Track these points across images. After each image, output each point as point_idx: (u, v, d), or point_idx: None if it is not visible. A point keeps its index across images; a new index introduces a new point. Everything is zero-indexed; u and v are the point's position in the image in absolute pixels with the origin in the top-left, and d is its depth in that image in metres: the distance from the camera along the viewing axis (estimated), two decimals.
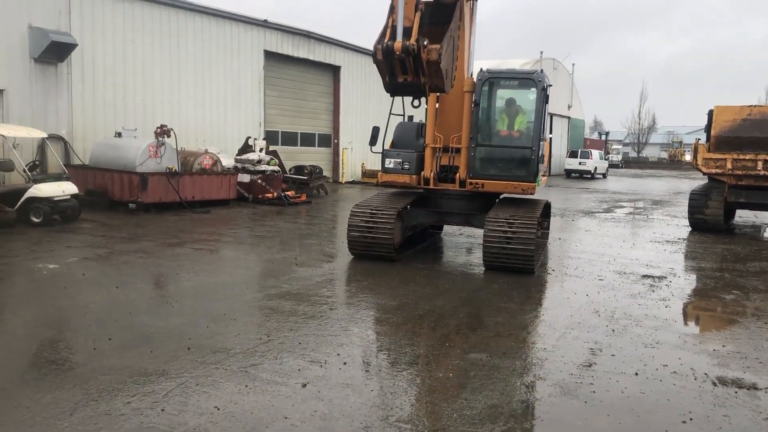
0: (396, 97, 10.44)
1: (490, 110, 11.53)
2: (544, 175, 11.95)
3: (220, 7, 23.20)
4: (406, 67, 8.80)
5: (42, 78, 17.53)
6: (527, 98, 11.16)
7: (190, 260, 10.62)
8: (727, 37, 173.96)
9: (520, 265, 10.00)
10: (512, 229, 9.99)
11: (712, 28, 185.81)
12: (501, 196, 11.88)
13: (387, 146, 12.05)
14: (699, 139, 17.26)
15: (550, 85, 11.63)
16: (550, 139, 47.66)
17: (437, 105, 11.44)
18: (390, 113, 11.63)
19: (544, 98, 10.78)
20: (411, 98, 9.52)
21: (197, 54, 22.31)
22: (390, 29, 8.83)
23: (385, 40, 8.71)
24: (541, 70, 11.34)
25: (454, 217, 11.72)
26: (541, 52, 45.77)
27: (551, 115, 47.68)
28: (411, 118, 12.11)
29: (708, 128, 17.29)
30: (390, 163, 11.52)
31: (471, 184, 11.02)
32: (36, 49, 17.09)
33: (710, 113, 17.26)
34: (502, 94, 11.77)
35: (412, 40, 8.51)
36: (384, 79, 9.15)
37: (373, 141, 11.53)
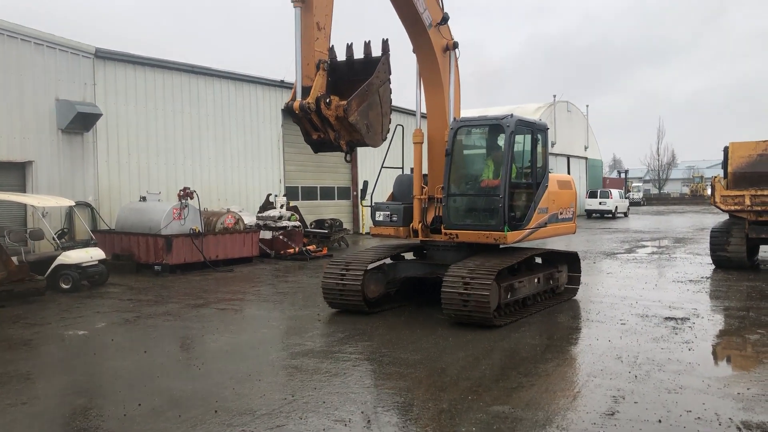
0: (393, 150, 10.97)
1: (462, 159, 11.47)
2: (554, 223, 11.65)
3: (237, 71, 23.99)
4: (316, 125, 8.91)
5: (69, 148, 18.17)
6: (498, 144, 10.94)
7: (215, 321, 10.81)
8: (747, 70, 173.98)
9: (477, 316, 9.60)
10: (470, 275, 9.63)
11: (732, 63, 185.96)
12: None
13: (387, 198, 12.26)
14: (717, 176, 17.29)
15: (547, 129, 11.75)
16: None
17: (426, 155, 11.58)
18: (382, 166, 11.84)
19: (512, 143, 10.45)
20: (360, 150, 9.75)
21: (217, 116, 22.98)
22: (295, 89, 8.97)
23: (288, 100, 8.91)
24: (540, 119, 11.33)
25: (445, 269, 10.90)
26: (554, 96, 46.26)
27: (567, 157, 47.86)
28: (413, 170, 12.12)
29: (725, 165, 17.36)
30: (379, 215, 11.58)
31: (446, 234, 10.85)
32: (63, 121, 17.78)
33: (726, 150, 17.35)
34: (474, 142, 11.72)
35: (310, 99, 8.56)
36: (303, 136, 9.34)
37: (362, 195, 11.63)
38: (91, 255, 14.42)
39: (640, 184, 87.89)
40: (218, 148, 22.98)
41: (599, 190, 47.26)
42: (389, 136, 10.62)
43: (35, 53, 17.41)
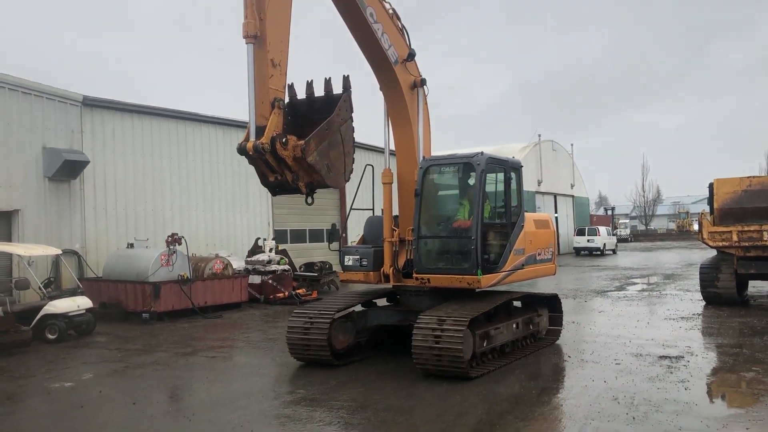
0: (363, 190, 10.56)
1: (432, 199, 10.96)
2: (531, 265, 11.14)
3: (224, 116, 24.12)
4: (272, 167, 8.42)
5: (56, 195, 18.06)
6: (470, 184, 10.41)
7: (205, 369, 10.62)
8: (729, 105, 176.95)
9: (450, 369, 9.03)
10: (441, 326, 9.03)
11: (714, 99, 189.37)
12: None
13: (358, 242, 11.71)
14: (704, 212, 17.42)
15: (521, 167, 11.25)
16: (556, 218, 48.11)
17: (397, 196, 11.10)
18: (351, 208, 11.53)
19: (484, 182, 9.98)
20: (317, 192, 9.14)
21: (205, 161, 23.00)
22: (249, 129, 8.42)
23: (241, 141, 8.36)
24: (516, 157, 10.97)
25: (417, 317, 9.84)
26: (539, 135, 46.77)
27: (554, 195, 48.22)
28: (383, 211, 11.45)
29: (710, 201, 17.51)
30: (349, 260, 11.02)
31: (417, 279, 10.24)
32: (50, 169, 17.70)
33: (711, 186, 17.52)
34: (445, 182, 11.21)
35: (264, 139, 8.04)
36: (259, 179, 8.83)
37: (330, 238, 11.15)
38: (78, 304, 14.20)
39: (627, 221, 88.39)
40: (206, 192, 22.95)
41: (587, 228, 47.53)
42: (359, 176, 10.42)
43: (23, 102, 17.43)
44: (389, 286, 11.00)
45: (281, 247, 23.76)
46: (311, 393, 8.78)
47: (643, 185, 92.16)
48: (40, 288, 14.50)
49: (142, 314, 16.29)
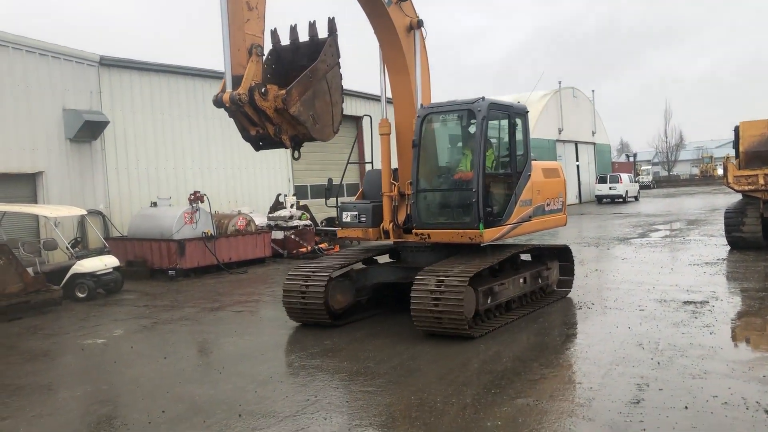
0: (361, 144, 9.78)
1: (432, 150, 10.34)
2: (540, 216, 10.61)
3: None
4: (252, 119, 7.83)
5: (78, 157, 18.21)
6: (471, 132, 9.75)
7: (232, 324, 10.82)
8: (756, 47, 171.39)
9: (451, 330, 8.61)
10: (440, 285, 8.54)
11: (740, 41, 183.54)
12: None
13: (357, 197, 11.27)
14: (729, 156, 17.13)
15: (527, 112, 10.56)
16: (577, 166, 47.62)
17: (396, 147, 10.56)
18: (348, 162, 11.09)
19: (485, 130, 9.33)
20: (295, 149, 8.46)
21: (224, 118, 22.77)
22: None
23: (218, 92, 7.77)
24: (519, 102, 10.36)
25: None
26: (560, 82, 45.96)
27: (575, 143, 47.62)
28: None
29: (736, 144, 17.22)
30: (347, 216, 10.52)
31: (416, 234, 9.74)
32: (71, 130, 17.81)
33: (736, 129, 17.21)
34: (444, 131, 10.54)
35: (242, 89, 7.45)
36: (240, 133, 8.23)
37: (327, 194, 10.66)
38: (105, 263, 14.46)
39: (650, 167, 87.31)
40: (226, 150, 22.97)
41: (609, 175, 46.99)
42: (355, 127, 9.78)
43: (40, 64, 17.44)
44: (390, 242, 10.60)
45: (302, 202, 23.87)
46: (338, 344, 8.92)
47: (665, 130, 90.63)
48: (67, 248, 14.77)
49: (168, 271, 16.56)
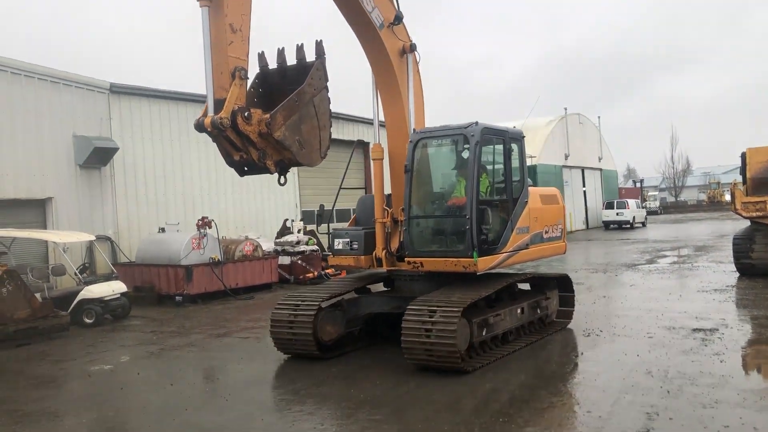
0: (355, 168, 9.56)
1: (424, 176, 10.09)
2: (538, 244, 10.21)
3: None
4: (236, 144, 7.59)
5: (87, 182, 18.36)
6: (464, 157, 9.51)
7: (239, 350, 10.80)
8: (763, 72, 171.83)
9: (443, 363, 8.28)
10: (432, 317, 8.20)
11: (747, 67, 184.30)
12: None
13: (350, 223, 10.98)
14: (736, 181, 17.12)
15: (523, 137, 10.29)
16: (584, 192, 47.57)
17: (389, 173, 10.23)
18: (340, 187, 10.86)
19: (479, 155, 9.05)
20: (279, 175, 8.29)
21: None
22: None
23: (199, 116, 7.50)
24: (514, 127, 10.27)
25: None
26: (566, 108, 46.10)
27: (582, 169, 47.63)
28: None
29: (743, 171, 17.21)
30: (338, 243, 10.16)
31: (409, 263, 9.37)
32: (81, 156, 17.98)
33: (743, 156, 17.21)
34: (438, 156, 10.31)
35: (224, 113, 7.18)
36: (224, 158, 7.99)
37: (319, 221, 10.32)
38: (113, 288, 14.49)
39: (656, 193, 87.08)
40: (234, 175, 22.92)
41: (616, 201, 46.92)
42: (349, 152, 9.55)
43: (52, 91, 17.67)
44: (383, 270, 10.21)
45: (309, 227, 23.91)
46: (344, 372, 8.89)
47: (672, 156, 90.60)
48: (75, 274, 14.81)
49: (175, 297, 16.57)
